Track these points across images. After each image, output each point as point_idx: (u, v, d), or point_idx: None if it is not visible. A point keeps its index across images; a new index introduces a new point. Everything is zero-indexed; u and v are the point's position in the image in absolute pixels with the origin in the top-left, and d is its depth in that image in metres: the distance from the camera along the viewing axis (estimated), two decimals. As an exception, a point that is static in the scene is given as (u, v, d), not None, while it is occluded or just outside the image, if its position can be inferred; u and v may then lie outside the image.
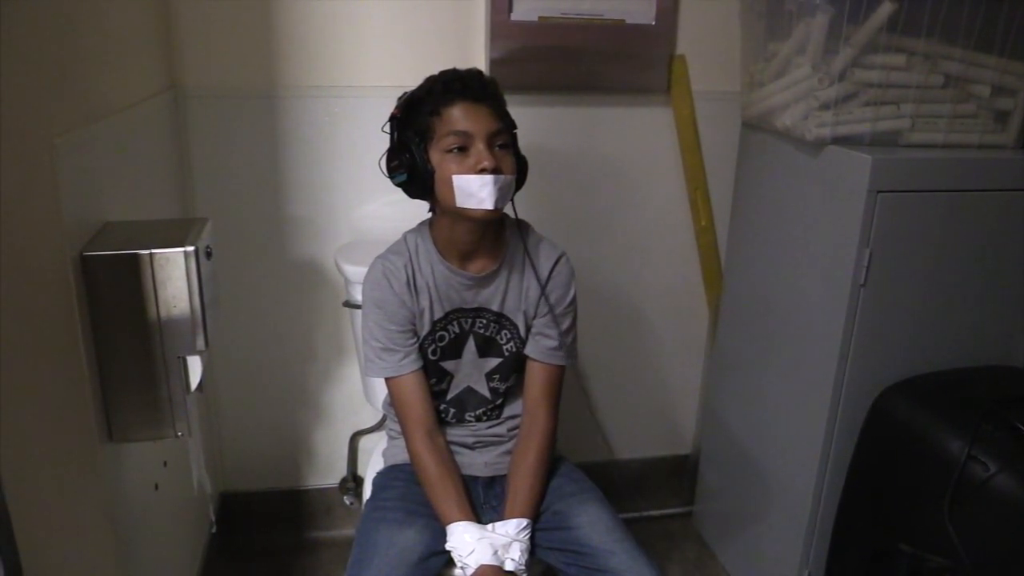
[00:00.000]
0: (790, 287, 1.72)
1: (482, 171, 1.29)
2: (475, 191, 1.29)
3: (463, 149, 1.30)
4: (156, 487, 1.49)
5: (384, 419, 1.65)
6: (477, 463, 1.50)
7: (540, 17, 1.81)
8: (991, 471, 1.32)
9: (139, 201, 1.47)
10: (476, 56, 1.84)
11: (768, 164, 1.79)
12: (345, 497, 2.12)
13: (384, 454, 1.60)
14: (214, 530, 1.87)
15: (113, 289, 1.14)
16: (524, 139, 1.91)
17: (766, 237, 1.82)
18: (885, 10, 1.47)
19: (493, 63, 1.81)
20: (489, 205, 1.29)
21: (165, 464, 1.55)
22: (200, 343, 1.19)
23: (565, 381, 1.53)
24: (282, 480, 2.13)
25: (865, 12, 1.48)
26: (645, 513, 2.29)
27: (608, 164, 2.00)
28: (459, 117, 1.30)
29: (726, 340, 2.04)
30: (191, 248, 1.15)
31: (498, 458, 1.51)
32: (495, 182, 1.29)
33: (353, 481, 2.12)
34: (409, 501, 1.42)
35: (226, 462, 2.08)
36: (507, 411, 1.53)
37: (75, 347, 1.10)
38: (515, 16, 1.80)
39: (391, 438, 1.59)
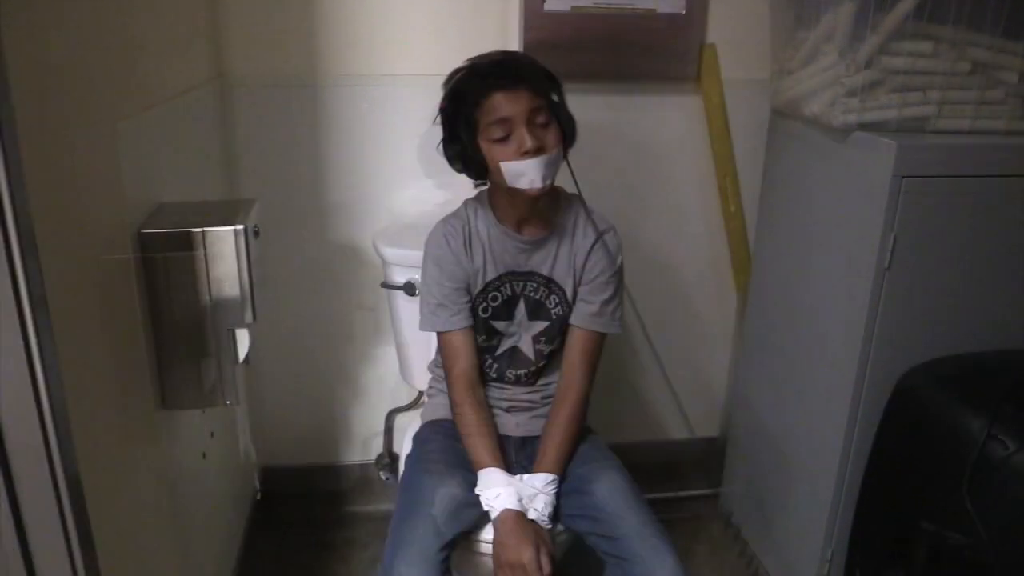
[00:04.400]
0: (817, 271, 1.75)
1: (525, 154, 1.36)
2: (523, 173, 1.37)
3: (507, 135, 1.37)
4: (204, 456, 1.58)
5: (419, 397, 1.72)
6: (509, 423, 1.58)
7: (573, 7, 1.86)
8: (1011, 450, 1.34)
9: (189, 184, 1.54)
10: (510, 45, 1.88)
11: (796, 150, 1.82)
12: (381, 473, 2.18)
13: (423, 415, 1.68)
14: (259, 496, 1.95)
15: (168, 264, 1.22)
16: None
17: (794, 222, 1.85)
18: (912, -3, 1.49)
19: (526, 52, 1.85)
20: (538, 184, 1.38)
21: (212, 435, 1.63)
22: (248, 316, 1.26)
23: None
24: (321, 455, 2.21)
25: (892, -1, 1.50)
26: (673, 494, 2.32)
27: (639, 151, 2.04)
28: (498, 106, 1.36)
29: (754, 324, 2.07)
30: (240, 227, 1.23)
31: (529, 420, 1.59)
32: (539, 163, 1.37)
33: (389, 458, 2.19)
34: (449, 454, 1.50)
35: (268, 437, 2.16)
36: (543, 380, 1.61)
37: (134, 318, 1.18)
38: (548, 6, 1.84)
39: (431, 396, 1.68)
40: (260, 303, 1.31)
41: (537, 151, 1.36)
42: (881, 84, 1.56)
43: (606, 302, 1.53)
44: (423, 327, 1.55)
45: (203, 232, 1.22)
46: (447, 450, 1.52)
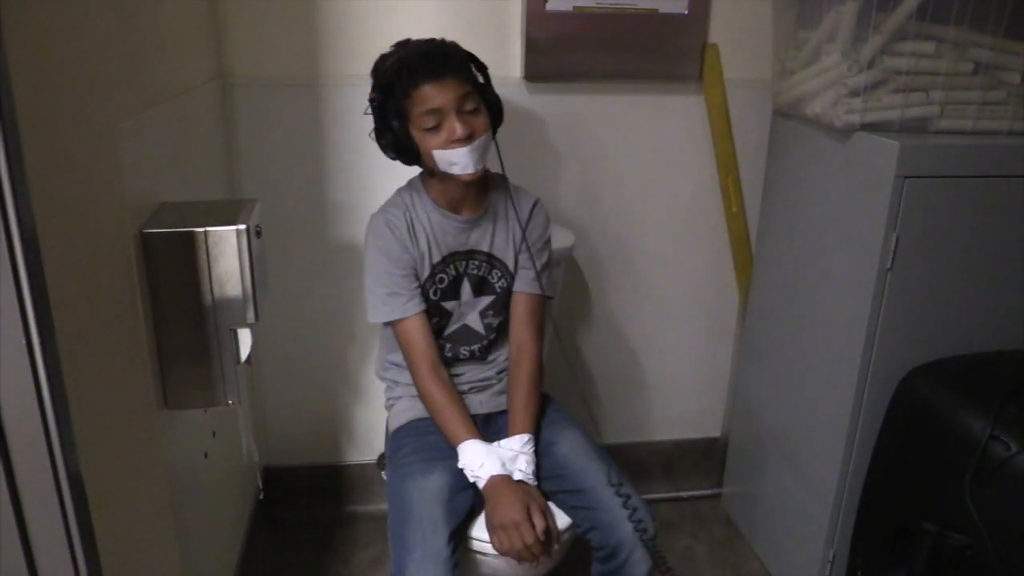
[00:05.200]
0: (819, 271, 1.75)
1: (456, 142, 1.40)
2: (456, 160, 1.42)
3: (437, 124, 1.41)
4: (206, 455, 1.57)
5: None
6: (473, 403, 1.61)
7: (575, 7, 1.86)
8: (1012, 451, 1.34)
9: (190, 183, 1.54)
10: (512, 45, 1.89)
11: (798, 151, 1.82)
12: (383, 473, 2.18)
13: (388, 425, 1.70)
14: (262, 496, 1.95)
15: (170, 264, 1.22)
16: (558, 127, 1.97)
17: (796, 222, 1.85)
18: (914, -3, 1.49)
19: (529, 52, 1.86)
20: (471, 170, 1.43)
21: (214, 435, 1.63)
22: (251, 316, 1.26)
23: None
24: (323, 455, 2.21)
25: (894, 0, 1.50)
26: (674, 494, 2.33)
27: (641, 151, 2.04)
28: (428, 96, 1.40)
29: (756, 324, 2.07)
30: (243, 226, 1.23)
31: (491, 398, 1.63)
32: (471, 149, 1.42)
33: (390, 457, 2.19)
34: (423, 451, 1.52)
35: (270, 437, 2.16)
36: (492, 355, 1.66)
37: (136, 318, 1.18)
38: (550, 6, 1.84)
39: (391, 405, 1.70)
40: (262, 303, 1.31)
41: (468, 138, 1.41)
42: (883, 84, 1.56)
43: (544, 267, 1.61)
44: (374, 318, 1.57)
45: (205, 232, 1.22)
46: (421, 448, 1.54)
